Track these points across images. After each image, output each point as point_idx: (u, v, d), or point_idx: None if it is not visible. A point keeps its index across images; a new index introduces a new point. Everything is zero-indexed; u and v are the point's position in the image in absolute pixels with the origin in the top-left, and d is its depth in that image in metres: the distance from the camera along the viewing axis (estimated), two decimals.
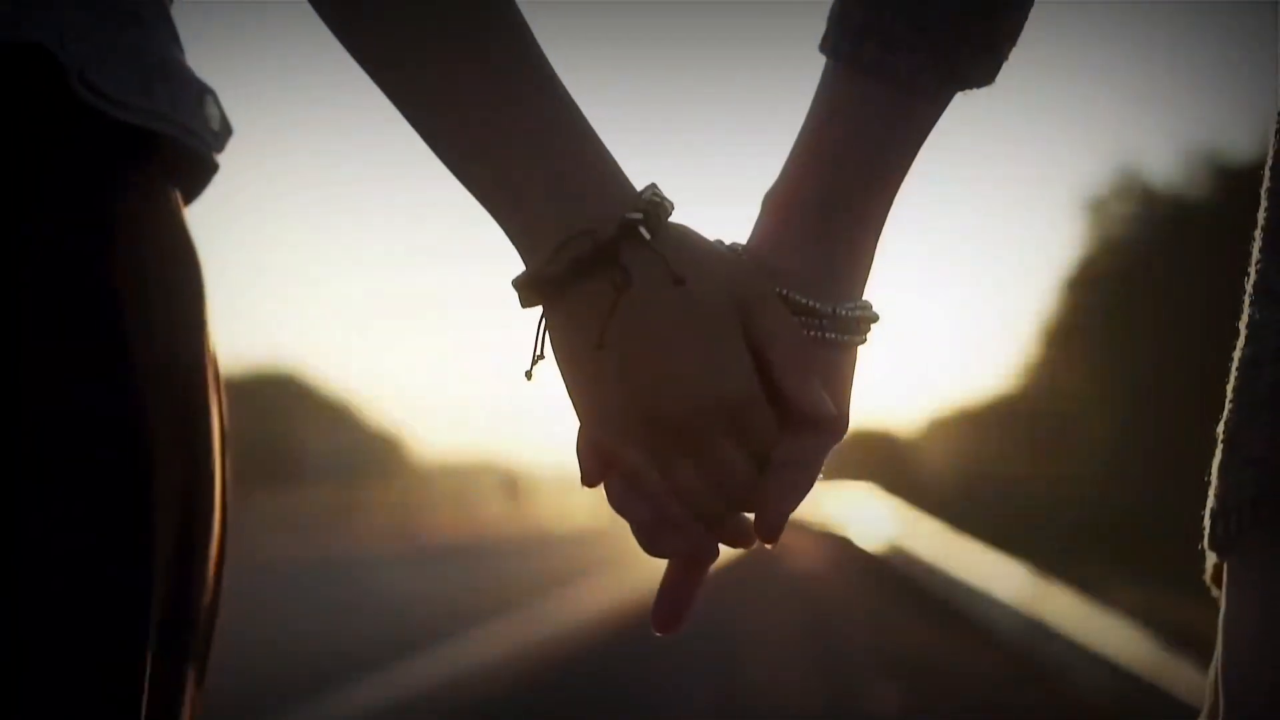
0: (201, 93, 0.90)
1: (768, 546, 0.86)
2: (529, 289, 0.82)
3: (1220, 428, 0.84)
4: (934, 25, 0.83)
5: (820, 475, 0.87)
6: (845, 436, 0.88)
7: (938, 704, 6.15)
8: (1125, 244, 17.83)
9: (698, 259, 0.83)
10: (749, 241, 0.88)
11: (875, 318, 0.87)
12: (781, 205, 0.87)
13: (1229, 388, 0.84)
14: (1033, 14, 0.88)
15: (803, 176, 0.87)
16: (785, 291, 0.85)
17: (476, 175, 0.82)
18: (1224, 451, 0.83)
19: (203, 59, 0.94)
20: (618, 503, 0.85)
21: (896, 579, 13.00)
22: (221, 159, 0.93)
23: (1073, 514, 15.96)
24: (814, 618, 9.48)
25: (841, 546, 18.30)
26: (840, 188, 0.86)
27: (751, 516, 0.86)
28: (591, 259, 0.80)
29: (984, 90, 0.89)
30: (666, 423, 0.82)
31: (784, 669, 7.01)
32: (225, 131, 0.93)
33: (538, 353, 0.84)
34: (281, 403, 40.83)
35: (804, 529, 20.57)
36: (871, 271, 0.88)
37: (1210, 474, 0.84)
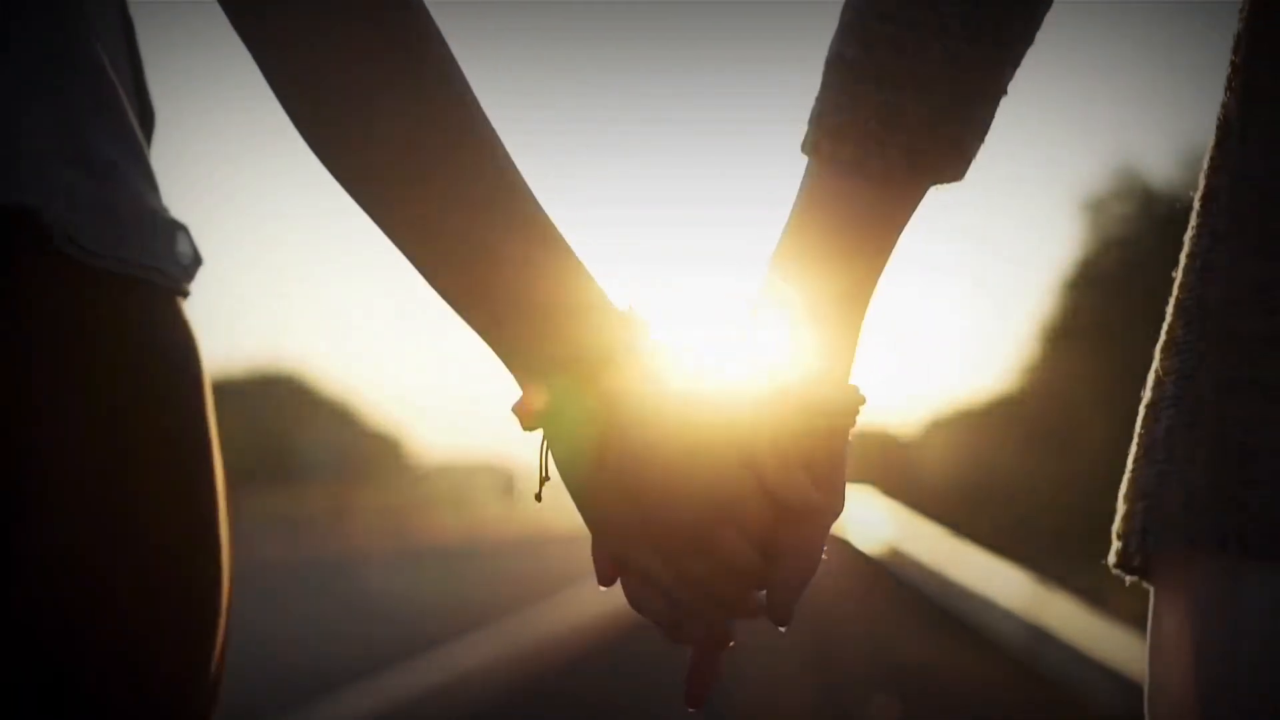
0: (173, 232, 0.96)
1: (781, 630, 0.94)
2: (526, 416, 0.89)
3: (1129, 463, 0.90)
4: (907, 126, 0.88)
5: (823, 556, 0.93)
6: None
7: (937, 711, 6.14)
8: (1125, 244, 17.83)
9: (678, 371, 0.89)
10: (740, 336, 0.93)
11: (862, 400, 0.92)
12: (768, 299, 0.92)
13: (1137, 427, 0.90)
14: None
15: (787, 272, 0.91)
16: (774, 383, 0.90)
17: (474, 316, 0.89)
18: (1126, 483, 0.89)
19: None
20: (635, 601, 0.93)
21: (896, 583, 13.00)
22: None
23: (1073, 517, 15.95)
24: (812, 619, 9.47)
25: (840, 549, 18.33)
26: (823, 281, 0.91)
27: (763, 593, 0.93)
28: (581, 384, 0.87)
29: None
30: (670, 529, 0.89)
31: (782, 673, 6.99)
32: (195, 264, 1.00)
33: (544, 474, 0.91)
34: (281, 403, 40.92)
35: None
36: (856, 358, 0.93)
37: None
